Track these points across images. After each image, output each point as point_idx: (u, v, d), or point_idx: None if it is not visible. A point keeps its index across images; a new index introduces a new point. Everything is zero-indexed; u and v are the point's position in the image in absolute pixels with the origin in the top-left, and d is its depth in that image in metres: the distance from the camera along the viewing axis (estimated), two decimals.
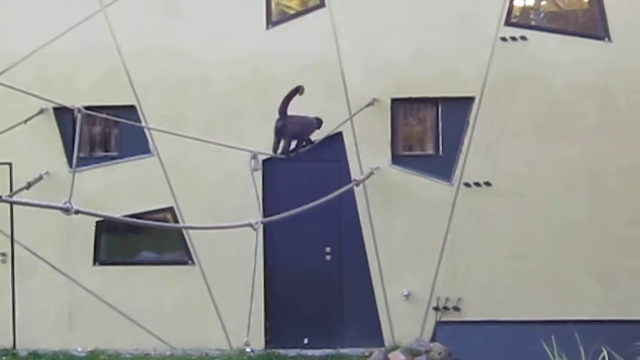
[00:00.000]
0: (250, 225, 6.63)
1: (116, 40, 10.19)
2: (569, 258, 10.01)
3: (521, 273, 10.03)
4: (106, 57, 10.18)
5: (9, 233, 10.38)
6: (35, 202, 5.27)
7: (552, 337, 5.44)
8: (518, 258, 10.03)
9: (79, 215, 8.57)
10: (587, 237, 10.00)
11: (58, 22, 10.22)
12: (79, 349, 10.23)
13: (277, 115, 9.16)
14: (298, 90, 9.12)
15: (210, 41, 10.20)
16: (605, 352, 5.04)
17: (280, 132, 9.22)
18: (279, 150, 9.28)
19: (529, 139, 10.03)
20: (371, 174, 9.91)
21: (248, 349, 9.07)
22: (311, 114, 9.60)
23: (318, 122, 9.72)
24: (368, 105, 9.99)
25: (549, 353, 5.39)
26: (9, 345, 10.36)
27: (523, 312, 9.95)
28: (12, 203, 8.67)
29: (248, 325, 7.46)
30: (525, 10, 10.54)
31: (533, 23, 10.51)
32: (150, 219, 9.82)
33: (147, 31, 10.23)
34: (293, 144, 9.43)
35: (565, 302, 9.98)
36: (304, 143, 9.58)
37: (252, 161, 8.33)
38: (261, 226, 9.65)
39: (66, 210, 4.51)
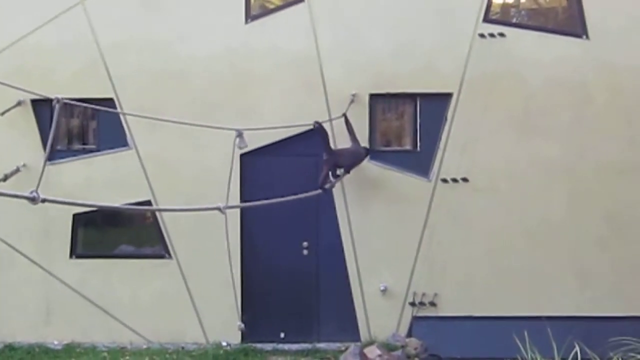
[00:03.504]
0: (219, 208, 6.69)
1: (94, 33, 10.18)
2: (546, 254, 10.05)
3: (498, 269, 10.06)
4: (84, 50, 10.17)
5: None
6: (2, 190, 5.28)
7: (525, 333, 5.46)
8: (495, 254, 10.07)
9: (57, 209, 8.65)
10: (564, 233, 10.05)
11: (36, 14, 10.20)
12: (55, 342, 10.21)
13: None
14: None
15: (189, 34, 10.21)
16: (577, 348, 5.05)
17: (329, 165, 9.58)
18: (321, 183, 9.56)
19: (506, 135, 10.07)
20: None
21: (240, 329, 9.04)
22: (362, 144, 9.87)
23: (366, 151, 9.87)
24: (351, 102, 10.00)
25: (522, 348, 5.40)
26: None
27: (499, 308, 9.99)
28: None
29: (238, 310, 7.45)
30: (504, 7, 10.60)
31: (512, 20, 10.53)
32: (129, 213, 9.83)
33: (125, 24, 10.23)
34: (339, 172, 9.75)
35: (542, 298, 10.02)
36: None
37: (237, 139, 8.38)
38: (238, 218, 9.89)
39: (32, 199, 4.52)
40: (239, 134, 8.52)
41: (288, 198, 8.78)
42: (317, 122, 9.67)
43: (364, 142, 10.00)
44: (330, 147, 9.75)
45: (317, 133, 9.68)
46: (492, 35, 10.03)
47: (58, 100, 5.83)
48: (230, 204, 8.07)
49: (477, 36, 10.03)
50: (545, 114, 10.05)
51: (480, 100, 10.03)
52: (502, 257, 10.05)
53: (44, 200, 4.58)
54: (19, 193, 4.49)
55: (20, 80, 8.81)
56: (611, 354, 5.57)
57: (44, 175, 6.51)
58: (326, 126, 9.88)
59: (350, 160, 9.81)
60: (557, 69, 10.03)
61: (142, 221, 10.78)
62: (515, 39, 10.07)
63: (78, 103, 7.77)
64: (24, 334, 10.26)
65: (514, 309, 9.89)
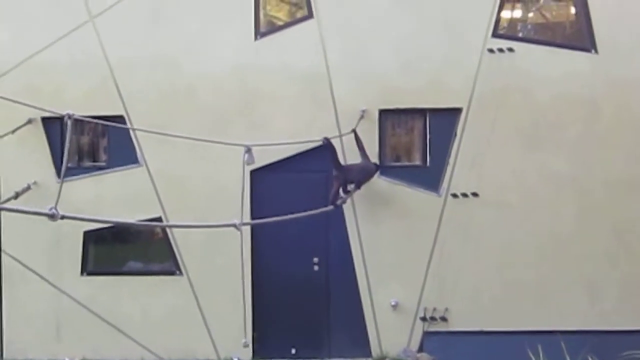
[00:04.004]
0: (234, 225, 6.74)
1: (104, 51, 10.20)
2: (555, 268, 10.07)
3: (508, 283, 10.08)
4: (94, 68, 10.19)
5: None
6: (21, 207, 5.31)
7: (539, 347, 5.47)
8: (505, 268, 10.09)
9: (67, 226, 8.66)
10: (573, 247, 10.07)
11: (46, 32, 10.22)
12: (67, 359, 10.22)
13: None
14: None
15: (198, 51, 10.23)
16: None
17: (340, 181, 9.63)
18: (332, 199, 9.65)
19: (515, 149, 10.09)
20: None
21: (246, 346, 9.01)
22: (371, 160, 9.91)
23: (376, 167, 9.90)
24: (361, 118, 10.02)
25: None
26: None
27: (510, 322, 10.00)
28: None
29: (244, 327, 7.81)
30: (512, 22, 10.61)
31: (520, 35, 10.57)
32: (139, 229, 9.84)
33: (135, 42, 10.25)
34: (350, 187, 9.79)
35: (552, 312, 10.03)
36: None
37: (246, 155, 8.40)
38: (249, 235, 9.91)
39: (52, 216, 4.55)
40: (248, 150, 8.52)
41: (301, 214, 8.83)
42: (325, 138, 9.70)
43: (374, 158, 10.02)
44: (339, 163, 9.78)
45: (326, 149, 9.71)
46: (501, 50, 10.05)
47: (70, 117, 5.84)
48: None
49: (486, 51, 10.06)
50: (554, 128, 10.07)
51: (490, 115, 10.06)
52: (512, 271, 10.07)
53: (63, 217, 4.62)
54: (38, 210, 4.52)
55: (31, 98, 8.79)
56: None
57: (54, 193, 6.48)
58: (336, 142, 9.90)
59: (360, 175, 9.83)
60: (566, 83, 10.05)
61: (151, 238, 10.80)
62: (524, 54, 10.09)
63: (90, 120, 7.76)
64: (35, 351, 10.27)
65: (524, 323, 9.88)
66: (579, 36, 10.33)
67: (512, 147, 10.10)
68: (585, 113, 10.06)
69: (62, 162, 9.07)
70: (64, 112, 5.95)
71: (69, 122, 5.80)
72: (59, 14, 10.31)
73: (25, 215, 4.82)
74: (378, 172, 9.99)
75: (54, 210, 4.55)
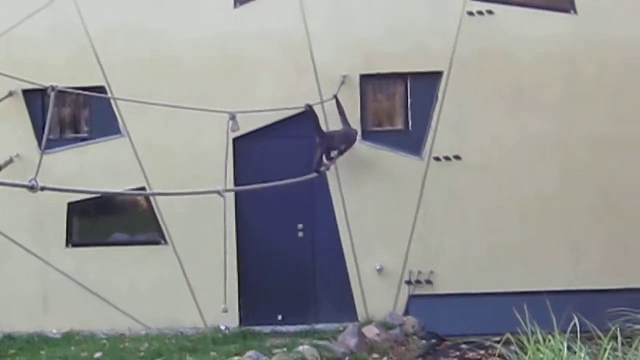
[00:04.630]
0: (218, 192, 6.73)
1: (84, 21, 10.18)
2: (540, 229, 10.11)
3: (493, 245, 10.11)
4: (74, 38, 10.18)
5: None
6: (0, 180, 5.28)
7: (525, 307, 5.47)
8: (489, 231, 10.11)
9: (52, 198, 8.62)
10: (557, 208, 10.10)
11: (25, 3, 10.21)
12: (54, 331, 10.24)
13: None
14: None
15: (178, 20, 10.23)
16: (576, 320, 5.08)
17: (323, 148, 9.64)
18: (315, 166, 9.67)
19: (497, 112, 10.12)
20: None
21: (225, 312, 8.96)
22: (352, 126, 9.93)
23: (355, 133, 9.90)
24: (342, 84, 10.02)
25: (522, 322, 5.42)
26: None
27: (495, 284, 10.03)
28: None
29: (224, 293, 7.66)
30: None
31: None
32: (123, 199, 9.83)
33: (114, 11, 10.24)
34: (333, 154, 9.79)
35: (537, 273, 10.07)
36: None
37: (230, 122, 8.39)
38: (233, 203, 9.90)
39: (31, 188, 4.53)
40: (232, 117, 8.54)
41: (285, 182, 8.83)
42: (307, 105, 9.70)
43: (356, 123, 10.04)
44: (321, 130, 9.78)
45: (308, 115, 9.70)
46: (480, 12, 10.06)
47: (53, 89, 5.83)
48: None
49: (465, 14, 10.07)
50: (535, 89, 10.09)
51: (471, 78, 10.08)
52: (496, 234, 10.10)
53: (42, 188, 4.59)
54: (18, 182, 4.50)
55: (11, 70, 8.72)
56: (609, 324, 5.60)
57: (37, 165, 6.47)
58: (317, 108, 9.91)
59: (342, 142, 9.83)
60: (546, 44, 10.05)
61: (136, 208, 10.79)
62: (503, 16, 10.10)
63: (73, 91, 7.73)
64: (22, 324, 10.27)
65: (509, 285, 9.92)
66: None
67: (494, 109, 10.12)
68: (565, 73, 10.09)
69: (43, 133, 9.05)
70: (46, 84, 5.95)
71: (52, 95, 5.79)
72: None
73: (9, 188, 4.79)
74: (359, 138, 9.99)
75: (33, 182, 4.53)
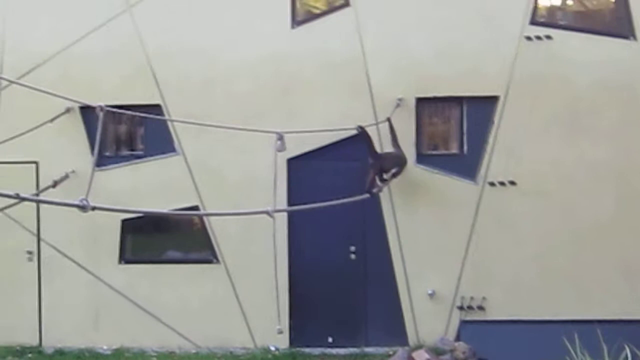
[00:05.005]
0: (267, 212, 6.74)
1: (141, 40, 10.25)
2: (594, 257, 9.99)
3: (546, 272, 10.01)
4: (131, 57, 10.25)
5: (35, 231, 10.44)
6: (51, 199, 5.29)
7: (576, 336, 5.41)
8: (543, 257, 10.02)
9: (105, 215, 8.67)
10: (612, 235, 9.97)
11: (83, 22, 10.29)
12: (104, 347, 10.30)
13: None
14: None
15: (235, 40, 10.24)
16: (627, 350, 5.03)
17: (376, 169, 9.59)
18: (368, 187, 9.58)
19: (553, 137, 10.02)
20: None
21: (280, 333, 8.94)
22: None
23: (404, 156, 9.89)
24: (397, 107, 9.99)
25: (572, 351, 5.37)
26: (35, 342, 10.44)
27: (547, 312, 9.92)
28: (27, 200, 8.71)
29: (278, 314, 7.79)
30: (550, 9, 10.50)
31: (558, 22, 10.46)
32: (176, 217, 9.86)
33: (172, 30, 10.28)
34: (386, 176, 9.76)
35: (590, 301, 9.94)
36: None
37: (278, 142, 8.39)
38: (285, 223, 9.91)
39: (82, 208, 4.55)
40: (280, 137, 8.50)
41: (336, 202, 8.81)
42: (359, 126, 9.66)
43: (411, 146, 10.04)
44: (375, 151, 9.74)
45: (361, 137, 9.68)
46: (538, 37, 9.98)
47: (102, 109, 5.87)
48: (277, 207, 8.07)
49: (523, 38, 10.00)
50: (592, 115, 9.99)
51: (527, 102, 9.99)
52: (550, 260, 10.00)
53: (93, 208, 4.62)
54: (69, 201, 4.51)
55: (68, 87, 8.88)
56: None
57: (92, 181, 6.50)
58: (372, 130, 9.88)
59: (394, 164, 9.79)
60: (604, 70, 9.96)
61: (189, 226, 10.82)
62: (561, 41, 10.01)
63: (121, 111, 7.73)
64: (73, 339, 10.36)
65: (562, 313, 9.81)
66: (617, 23, 10.22)
67: (550, 135, 10.02)
68: (623, 100, 9.97)
69: (98, 151, 9.12)
70: (99, 103, 5.98)
71: (101, 114, 5.82)
72: (96, 3, 10.37)
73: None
74: (414, 161, 9.98)
75: (84, 202, 4.55)
